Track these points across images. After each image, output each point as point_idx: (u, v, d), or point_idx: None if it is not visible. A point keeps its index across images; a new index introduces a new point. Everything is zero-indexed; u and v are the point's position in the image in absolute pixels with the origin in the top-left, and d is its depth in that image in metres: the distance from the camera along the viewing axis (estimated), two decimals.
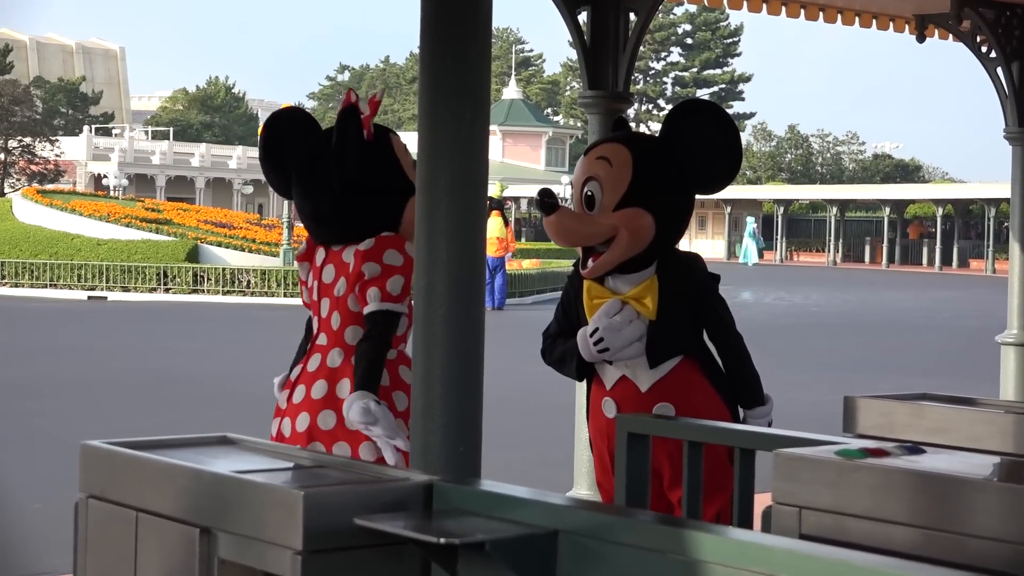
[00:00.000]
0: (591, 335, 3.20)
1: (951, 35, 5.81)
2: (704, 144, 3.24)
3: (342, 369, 3.33)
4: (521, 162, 55.95)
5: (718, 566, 1.87)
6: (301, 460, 2.63)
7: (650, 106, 63.88)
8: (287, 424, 3.38)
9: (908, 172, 66.38)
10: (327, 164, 3.36)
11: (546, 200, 3.29)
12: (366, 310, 3.31)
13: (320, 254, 3.42)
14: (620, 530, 2.06)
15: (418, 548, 2.23)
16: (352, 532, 2.23)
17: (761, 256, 41.66)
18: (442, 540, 2.15)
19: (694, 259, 3.41)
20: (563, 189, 44.06)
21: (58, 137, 47.17)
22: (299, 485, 2.38)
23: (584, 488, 5.42)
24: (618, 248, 3.22)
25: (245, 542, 2.34)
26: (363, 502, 2.32)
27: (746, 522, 2.82)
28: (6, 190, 41.69)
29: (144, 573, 2.47)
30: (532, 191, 49.51)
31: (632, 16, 5.24)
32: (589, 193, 3.28)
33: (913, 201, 44.93)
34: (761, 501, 2.73)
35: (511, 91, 60.05)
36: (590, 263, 3.27)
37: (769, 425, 3.24)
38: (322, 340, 3.41)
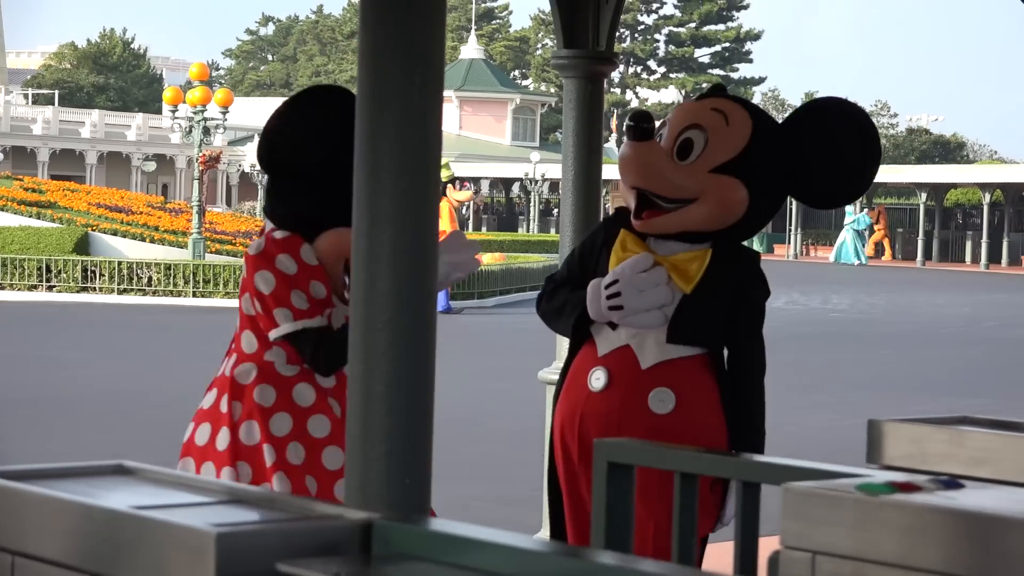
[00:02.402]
0: (607, 286, 3.24)
1: None
2: (830, 164, 3.38)
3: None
4: (482, 135, 56.75)
5: None
6: (213, 494, 2.69)
7: (638, 68, 64.90)
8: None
9: (949, 150, 68.28)
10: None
11: (643, 125, 3.30)
12: None
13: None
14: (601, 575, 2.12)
15: None
16: None
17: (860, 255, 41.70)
18: None
19: (755, 255, 3.50)
20: (532, 168, 45.06)
21: None
22: (211, 523, 2.41)
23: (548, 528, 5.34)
24: (696, 214, 3.29)
25: None
26: (288, 544, 2.39)
27: (749, 570, 2.90)
28: None
29: None
30: (495, 170, 50.53)
31: None
32: (688, 140, 3.34)
33: (955, 185, 45.54)
34: (766, 545, 2.81)
35: (470, 49, 60.87)
36: (644, 215, 3.31)
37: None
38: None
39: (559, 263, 5.46)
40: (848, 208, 41.08)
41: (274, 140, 3.70)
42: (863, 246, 41.67)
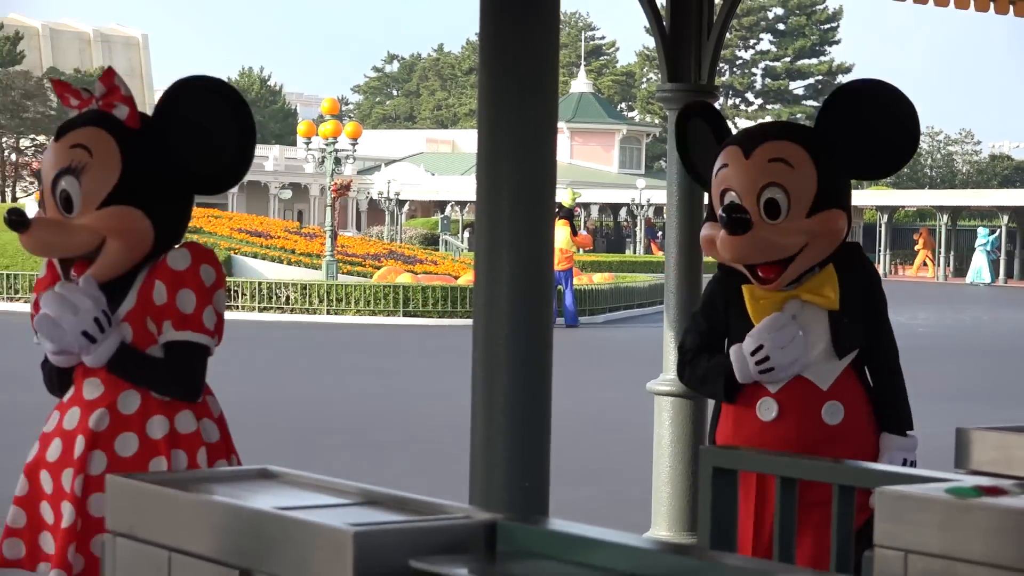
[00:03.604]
0: (753, 352, 3.23)
1: None
2: (854, 131, 3.35)
3: None
4: (591, 164, 57.18)
5: None
6: (350, 495, 2.70)
7: (737, 100, 64.84)
8: None
9: None
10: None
11: (737, 216, 3.26)
12: None
13: None
14: None
15: None
16: (407, 575, 2.32)
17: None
18: None
19: (856, 247, 3.51)
20: (638, 194, 45.69)
21: None
22: (349, 523, 2.42)
23: (663, 529, 5.50)
24: (813, 255, 3.31)
25: None
26: (419, 542, 2.41)
27: (845, 567, 2.89)
28: (18, 194, 43.23)
29: None
30: (603, 196, 51.06)
31: None
32: (771, 200, 3.33)
33: None
34: None
35: (580, 83, 61.48)
36: (765, 274, 3.32)
37: (912, 464, 3.33)
38: None
39: (664, 281, 5.61)
40: (981, 230, 41.97)
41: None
42: (990, 266, 41.77)
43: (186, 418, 3.39)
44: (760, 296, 3.36)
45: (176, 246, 3.33)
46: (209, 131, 3.28)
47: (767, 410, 3.34)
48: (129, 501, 2.70)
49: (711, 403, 3.88)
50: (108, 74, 3.38)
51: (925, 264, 44.87)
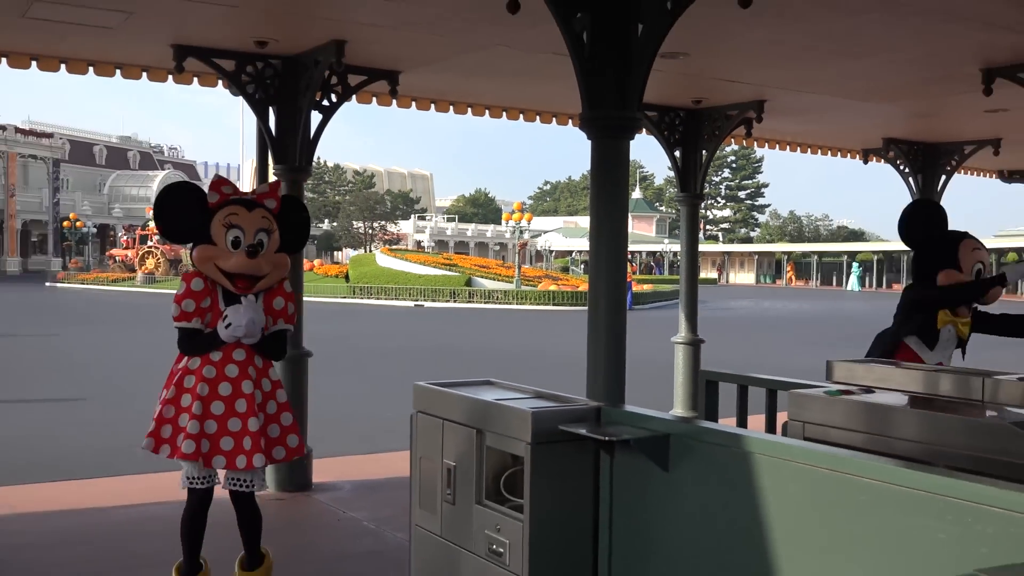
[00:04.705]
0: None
1: (882, 159, 10.28)
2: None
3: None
4: (641, 232, 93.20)
5: (758, 455, 2.63)
6: (529, 393, 3.49)
7: (711, 201, 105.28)
8: None
9: (858, 236, 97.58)
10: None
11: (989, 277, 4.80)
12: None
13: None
14: (704, 433, 2.87)
15: (593, 443, 3.13)
16: (557, 432, 3.14)
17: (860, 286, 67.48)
18: (607, 438, 3.00)
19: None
20: (664, 246, 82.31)
21: (397, 221, 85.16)
22: (530, 407, 3.18)
23: (680, 409, 9.19)
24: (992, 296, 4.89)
25: (501, 438, 3.29)
26: (563, 416, 3.16)
27: (773, 429, 4.25)
28: (372, 248, 73.13)
29: (448, 455, 3.52)
30: (647, 248, 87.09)
31: (704, 153, 9.17)
32: (980, 267, 4.85)
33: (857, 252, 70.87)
34: (779, 419, 4.13)
35: (636, 193, 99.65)
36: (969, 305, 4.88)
37: None
38: None
39: (679, 287, 9.56)
40: (855, 264, 66.81)
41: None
42: (858, 281, 64.61)
43: (276, 367, 4.66)
44: (946, 316, 4.82)
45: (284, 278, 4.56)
46: (306, 222, 4.70)
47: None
48: (423, 394, 3.67)
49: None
50: (275, 185, 4.59)
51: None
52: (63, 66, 6.90)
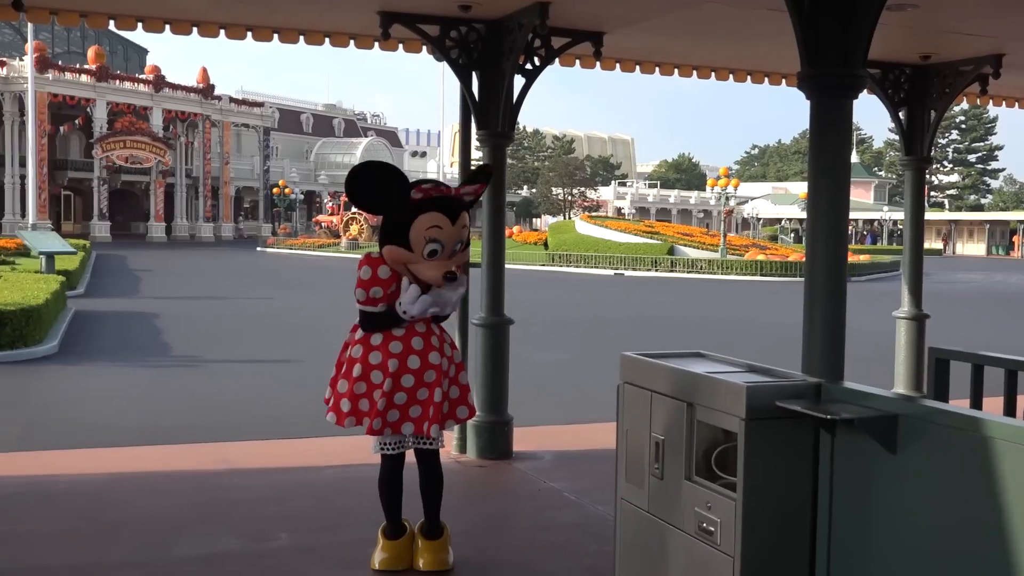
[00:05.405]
0: None
1: None
2: None
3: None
4: (859, 199, 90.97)
5: (1000, 441, 2.54)
6: (742, 367, 3.48)
7: (936, 165, 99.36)
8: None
9: None
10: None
11: None
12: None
13: None
14: (937, 415, 2.77)
15: (812, 421, 3.12)
16: (773, 409, 3.10)
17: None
18: (828, 416, 2.96)
19: None
20: (884, 214, 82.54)
21: (597, 188, 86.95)
22: (744, 381, 3.19)
23: (901, 388, 8.93)
24: None
25: (712, 412, 3.28)
26: (780, 392, 3.15)
27: (1011, 415, 3.78)
28: (572, 216, 73.93)
29: (655, 427, 3.57)
30: (864, 215, 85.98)
31: (933, 113, 8.75)
32: None
33: None
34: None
35: (852, 157, 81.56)
36: None
37: None
38: None
39: (902, 257, 9.13)
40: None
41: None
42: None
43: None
44: None
45: None
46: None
47: None
48: (631, 365, 3.70)
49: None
50: (481, 188, 4.59)
51: None
52: (276, 36, 7.22)
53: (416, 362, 4.47)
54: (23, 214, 54.65)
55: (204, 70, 69.22)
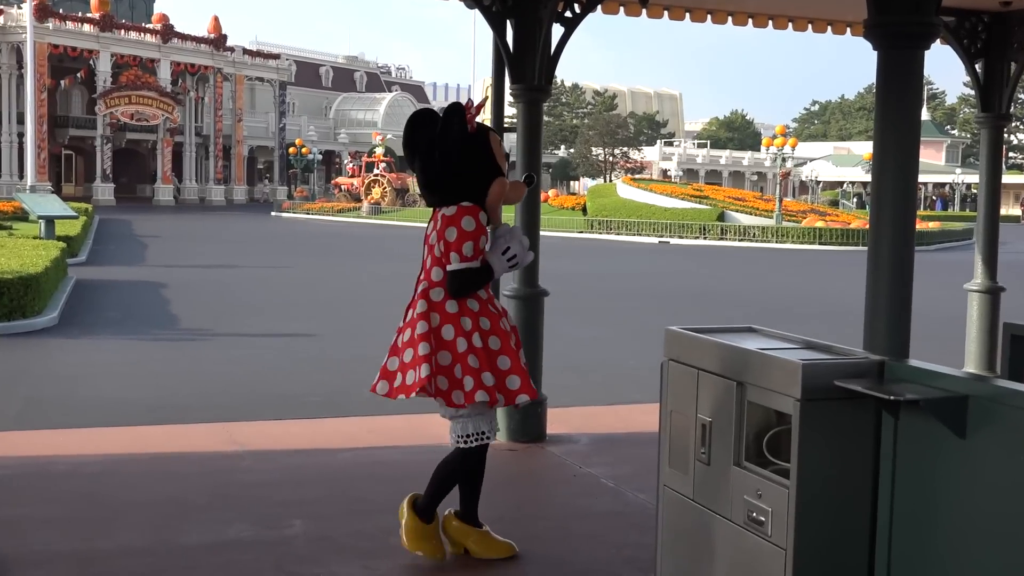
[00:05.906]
0: None
1: None
2: None
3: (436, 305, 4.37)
4: (929, 160, 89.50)
5: None
6: (798, 343, 3.44)
7: (1017, 123, 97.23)
8: (408, 354, 4.39)
9: None
10: (438, 148, 4.37)
11: None
12: (448, 268, 4.32)
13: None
14: (1013, 396, 2.76)
15: (874, 402, 3.10)
16: (832, 389, 3.09)
17: None
18: (892, 397, 2.96)
19: None
20: (957, 177, 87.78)
21: (641, 147, 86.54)
22: (800, 358, 3.18)
23: (973, 366, 8.84)
24: None
25: (764, 392, 3.29)
26: (839, 371, 3.14)
27: None
28: (613, 178, 74.91)
29: (702, 409, 3.57)
30: (934, 179, 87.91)
31: (1014, 65, 8.66)
32: None
33: None
34: None
35: (923, 115, 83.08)
36: None
37: None
38: (422, 286, 4.44)
39: (975, 225, 9.12)
40: None
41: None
42: None
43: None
44: None
45: None
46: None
47: None
48: (676, 341, 3.71)
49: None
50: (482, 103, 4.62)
51: None
52: None
53: (503, 325, 4.50)
54: (21, 175, 55.30)
55: (216, 19, 69.54)
